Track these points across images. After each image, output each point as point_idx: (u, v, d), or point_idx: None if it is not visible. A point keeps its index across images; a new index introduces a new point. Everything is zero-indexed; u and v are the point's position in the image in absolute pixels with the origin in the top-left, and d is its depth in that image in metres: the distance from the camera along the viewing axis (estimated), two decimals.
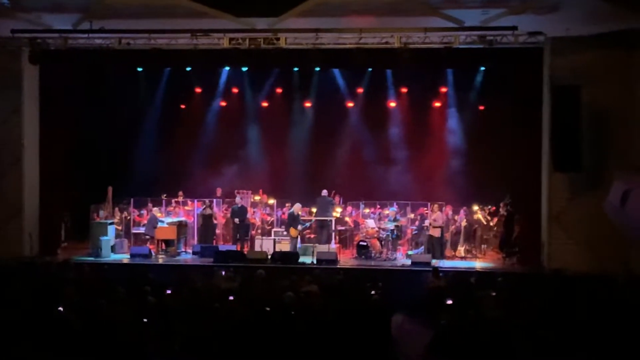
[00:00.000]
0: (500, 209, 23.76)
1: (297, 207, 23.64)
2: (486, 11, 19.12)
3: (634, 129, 19.83)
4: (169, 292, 14.28)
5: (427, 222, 23.31)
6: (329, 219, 23.98)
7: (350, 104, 27.13)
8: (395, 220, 23.65)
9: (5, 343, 9.93)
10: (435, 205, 23.28)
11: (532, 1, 18.02)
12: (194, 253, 23.37)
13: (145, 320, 11.34)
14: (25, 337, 10.21)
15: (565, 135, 19.83)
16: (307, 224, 23.70)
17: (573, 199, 20.79)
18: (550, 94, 20.63)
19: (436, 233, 22.75)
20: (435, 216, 22.99)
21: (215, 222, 24.71)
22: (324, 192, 24.34)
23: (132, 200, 25.01)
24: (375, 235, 23.35)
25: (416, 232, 23.88)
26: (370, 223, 23.89)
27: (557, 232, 20.97)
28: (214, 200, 25.11)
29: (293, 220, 23.45)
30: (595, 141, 20.21)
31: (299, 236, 23.49)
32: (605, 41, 19.90)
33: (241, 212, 24.00)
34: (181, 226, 24.03)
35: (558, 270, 16.48)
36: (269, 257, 22.01)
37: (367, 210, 25.07)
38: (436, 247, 22.65)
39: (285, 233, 23.76)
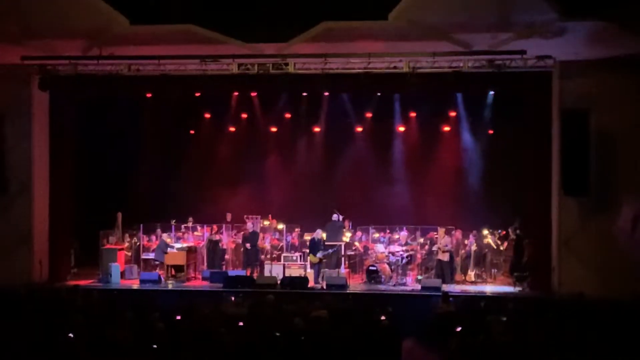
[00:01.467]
0: (510, 233, 23.69)
1: (319, 233, 23.52)
2: (494, 35, 19.14)
3: None
4: (178, 317, 14.27)
5: (435, 247, 23.23)
6: (339, 243, 23.91)
7: (359, 129, 27.16)
8: (406, 244, 23.62)
9: None
10: (443, 230, 23.21)
11: (539, 25, 18.02)
12: (203, 279, 23.32)
13: (154, 346, 11.32)
14: None
15: (574, 159, 19.80)
16: (330, 251, 23.47)
17: (583, 223, 20.71)
18: (559, 118, 20.61)
19: (445, 257, 22.66)
20: (444, 240, 22.92)
21: (223, 247, 24.66)
22: (335, 217, 24.31)
23: (141, 226, 25.02)
24: (385, 260, 23.28)
25: (426, 256, 23.78)
26: (380, 248, 23.84)
27: (567, 257, 20.88)
28: (223, 225, 25.10)
29: (314, 247, 23.32)
30: (605, 165, 20.18)
31: (320, 262, 23.32)
32: (614, 65, 19.90)
33: (253, 237, 23.93)
34: (190, 252, 24.01)
35: (578, 294, 16.37)
36: (279, 282, 21.95)
37: (376, 235, 25.02)
38: (446, 271, 22.55)
39: (294, 258, 23.68)
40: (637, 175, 19.80)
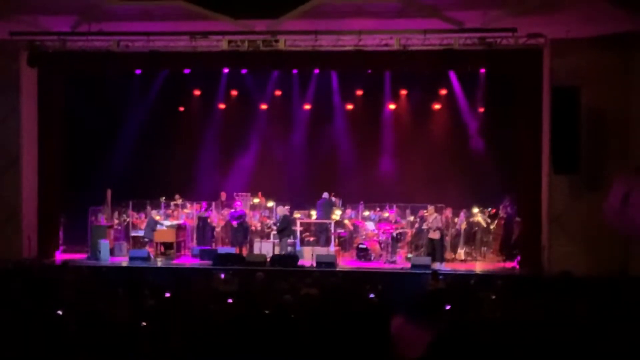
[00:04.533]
0: (500, 212, 23.73)
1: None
2: (486, 13, 19.08)
3: (632, 131, 19.83)
4: (167, 295, 14.24)
5: (425, 225, 23.22)
6: (329, 221, 23.92)
7: (350, 106, 27.07)
8: (396, 222, 23.68)
9: (3, 345, 9.88)
10: (432, 208, 23.18)
11: (531, 2, 17.97)
12: (193, 256, 23.31)
13: (143, 323, 11.28)
14: (23, 339, 10.16)
15: (564, 136, 19.79)
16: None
17: (573, 201, 20.74)
18: (549, 96, 20.59)
19: (435, 236, 22.65)
20: (432, 219, 22.90)
21: (213, 224, 24.65)
22: (325, 195, 24.30)
23: (130, 203, 24.95)
24: (375, 238, 23.29)
25: (416, 234, 23.79)
26: (370, 226, 23.85)
27: (558, 235, 20.91)
28: (212, 203, 25.08)
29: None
30: (595, 143, 20.18)
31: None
32: (605, 43, 19.89)
33: (240, 215, 23.95)
34: (180, 229, 23.99)
35: (564, 272, 16.40)
36: (268, 259, 21.95)
37: (366, 213, 25.03)
38: (437, 249, 22.55)
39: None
40: (626, 152, 19.81)
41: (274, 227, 23.58)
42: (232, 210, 24.28)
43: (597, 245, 19.92)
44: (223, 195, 25.59)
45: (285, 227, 23.13)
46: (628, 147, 19.89)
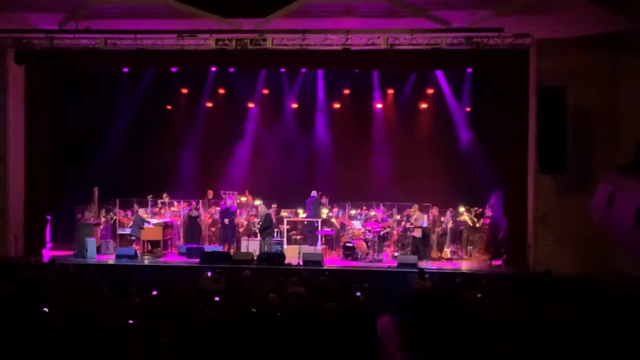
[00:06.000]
0: (487, 211, 23.82)
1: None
2: (473, 13, 19.15)
3: (618, 131, 19.89)
4: (154, 293, 14.26)
5: (409, 223, 23.26)
6: (318, 220, 23.99)
7: (337, 105, 27.10)
8: (383, 221, 23.74)
9: None
10: (416, 207, 23.24)
11: (518, 3, 18.03)
12: (180, 254, 23.32)
13: (130, 321, 11.30)
14: (9, 337, 10.16)
15: (550, 136, 19.84)
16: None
17: (559, 201, 20.82)
18: (536, 96, 20.67)
19: (418, 234, 22.71)
20: (416, 217, 22.96)
21: (200, 223, 24.67)
22: (314, 193, 24.37)
23: (117, 201, 24.93)
24: (362, 237, 23.35)
25: (402, 233, 23.85)
26: (357, 224, 23.91)
27: (543, 234, 20.99)
28: (200, 201, 25.09)
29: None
30: (581, 142, 20.25)
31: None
32: (591, 43, 19.96)
33: (230, 213, 23.97)
34: (167, 227, 23.99)
35: (547, 272, 16.49)
36: (255, 258, 21.97)
37: (353, 212, 25.08)
38: (420, 248, 22.61)
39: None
40: (612, 151, 19.88)
41: (257, 227, 23.62)
42: (224, 207, 24.28)
43: (583, 244, 20.00)
44: (210, 194, 25.60)
45: (267, 226, 23.16)
46: (614, 147, 19.95)
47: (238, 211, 24.88)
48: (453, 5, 18.87)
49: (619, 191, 10.28)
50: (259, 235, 23.50)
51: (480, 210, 24.20)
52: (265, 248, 22.86)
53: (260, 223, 23.25)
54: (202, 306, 12.63)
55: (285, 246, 23.38)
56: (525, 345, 10.08)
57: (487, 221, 23.78)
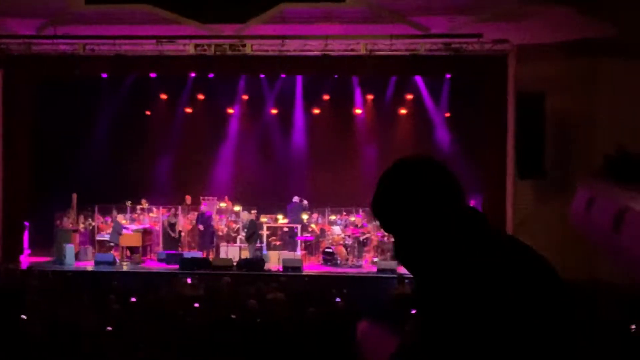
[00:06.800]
0: None
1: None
2: (452, 19, 19.22)
3: (596, 137, 19.95)
4: (133, 299, 14.21)
5: None
6: (298, 225, 24.01)
7: (317, 111, 27.12)
8: (362, 226, 23.78)
9: None
10: None
11: (497, 9, 18.11)
12: (159, 260, 23.25)
13: (109, 328, 11.26)
14: None
15: (529, 142, 19.92)
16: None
17: (538, 206, 20.87)
18: (515, 101, 20.74)
19: None
20: None
21: (180, 229, 24.61)
22: (295, 199, 24.38)
23: (96, 207, 24.83)
24: (341, 242, 23.36)
25: (382, 239, 23.86)
26: (336, 230, 23.93)
27: (523, 239, 20.96)
28: (179, 207, 25.04)
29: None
30: (559, 148, 20.32)
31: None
32: (570, 49, 20.02)
33: (205, 219, 23.94)
34: (146, 233, 23.92)
35: None
36: (235, 264, 21.95)
37: (333, 217, 25.09)
38: None
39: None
40: (590, 157, 19.96)
41: (242, 234, 23.60)
42: (200, 213, 24.27)
43: (562, 249, 20.03)
44: (188, 199, 25.54)
45: (253, 233, 23.16)
46: (593, 153, 20.03)
47: (217, 217, 24.85)
48: (432, 12, 18.93)
49: (598, 197, 10.30)
50: (243, 242, 23.50)
51: None
52: (250, 255, 22.84)
53: (246, 230, 23.26)
54: (182, 313, 12.61)
55: (265, 252, 23.38)
56: (504, 351, 10.08)
57: None
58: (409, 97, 26.26)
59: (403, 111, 26.70)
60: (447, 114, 26.01)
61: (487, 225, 3.01)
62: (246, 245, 23.46)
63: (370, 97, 26.84)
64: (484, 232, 2.96)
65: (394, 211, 2.91)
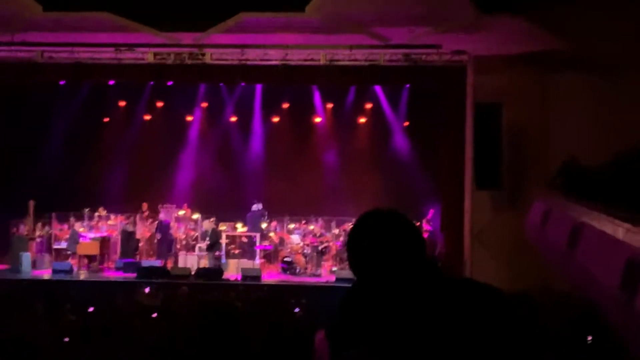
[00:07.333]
0: (424, 225, 23.99)
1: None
2: (412, 29, 19.32)
3: (550, 148, 20.14)
4: (90, 309, 14.10)
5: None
6: (257, 234, 24.01)
7: (276, 119, 27.14)
8: (321, 235, 23.82)
9: None
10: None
11: (455, 21, 18.24)
12: (117, 269, 23.10)
13: (65, 339, 11.16)
14: None
15: (486, 152, 20.05)
16: None
17: (495, 216, 21.00)
18: (472, 112, 20.89)
19: None
20: None
21: (137, 237, 24.47)
22: (254, 207, 24.36)
23: (53, 214, 24.64)
24: (300, 251, 23.39)
25: (340, 247, 23.91)
26: (295, 239, 23.95)
27: (479, 250, 21.17)
28: (137, 215, 24.91)
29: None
30: (516, 158, 20.47)
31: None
32: (525, 61, 20.17)
33: (162, 226, 23.84)
34: (104, 241, 23.77)
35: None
36: (193, 272, 21.87)
37: (292, 226, 25.11)
38: None
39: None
40: (546, 169, 20.12)
41: (205, 243, 23.52)
42: (159, 221, 24.17)
43: (518, 261, 20.18)
44: (145, 207, 25.40)
45: (215, 242, 23.14)
46: (547, 164, 20.20)
47: (176, 225, 24.76)
48: (392, 23, 19.00)
49: (553, 211, 10.43)
50: (201, 250, 23.44)
51: (418, 224, 24.34)
52: (211, 264, 22.78)
53: (209, 239, 23.21)
54: (139, 323, 12.53)
55: (224, 261, 23.33)
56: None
57: (425, 235, 23.94)
58: (369, 106, 26.39)
59: (362, 120, 26.81)
60: (406, 123, 26.16)
61: (440, 274, 3.58)
62: (205, 253, 23.40)
63: (329, 105, 26.91)
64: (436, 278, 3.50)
65: (359, 257, 3.54)
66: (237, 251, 24.32)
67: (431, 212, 23.82)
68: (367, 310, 3.39)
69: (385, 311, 3.29)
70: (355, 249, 3.53)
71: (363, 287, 3.52)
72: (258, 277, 21.46)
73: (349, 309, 3.62)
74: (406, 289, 3.30)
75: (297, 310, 14.89)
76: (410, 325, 3.15)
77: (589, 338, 11.28)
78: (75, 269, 22.71)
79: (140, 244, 24.70)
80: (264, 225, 24.76)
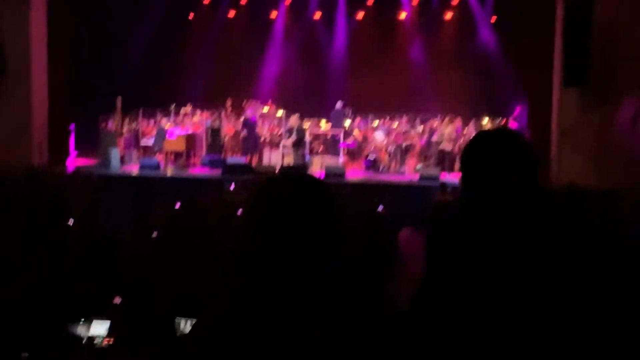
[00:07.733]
0: (511, 123, 23.69)
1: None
2: None
3: None
4: (177, 206, 14.30)
5: (437, 135, 23.14)
6: (340, 131, 23.98)
7: (361, 15, 26.87)
8: (405, 132, 23.72)
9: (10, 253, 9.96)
10: (447, 118, 23.15)
11: None
12: (202, 164, 23.35)
13: (154, 234, 11.33)
14: (31, 251, 10.24)
15: (575, 48, 19.55)
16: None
17: (583, 114, 20.58)
18: (563, 6, 20.30)
19: (449, 147, 22.61)
20: (448, 129, 22.84)
21: (223, 134, 24.63)
22: (338, 105, 24.27)
23: (140, 110, 24.93)
24: (384, 149, 23.31)
25: (425, 145, 23.77)
26: (379, 136, 23.83)
27: (566, 148, 20.84)
28: (222, 111, 25.04)
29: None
30: (607, 57, 19.91)
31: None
32: None
33: (249, 124, 23.91)
34: (190, 138, 23.99)
35: (571, 185, 16.40)
36: (277, 170, 21.99)
37: (375, 123, 24.99)
38: (447, 161, 22.52)
39: None
40: (637, 70, 19.58)
41: (290, 140, 23.46)
42: (245, 118, 24.22)
43: (606, 159, 19.84)
44: (229, 103, 25.48)
45: (302, 139, 23.12)
46: (638, 66, 19.64)
47: (260, 121, 24.83)
48: None
49: None
50: (285, 147, 23.46)
51: (505, 121, 24.05)
52: (296, 161, 22.80)
53: (295, 135, 23.16)
54: (225, 221, 12.65)
55: (307, 158, 23.37)
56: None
57: None
58: (455, 1, 25.90)
59: (449, 15, 26.39)
60: (494, 18, 25.65)
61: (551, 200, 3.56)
62: (289, 150, 23.44)
63: (415, 1, 26.49)
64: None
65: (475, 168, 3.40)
66: (320, 148, 24.32)
67: (518, 109, 23.45)
68: (470, 226, 3.31)
69: (489, 230, 3.26)
70: (471, 164, 3.41)
71: (471, 202, 3.37)
72: (342, 175, 21.47)
73: (452, 220, 3.44)
74: (514, 213, 3.28)
75: (380, 208, 14.89)
76: (511, 251, 3.20)
77: None
78: (162, 165, 23.02)
79: (225, 141, 24.86)
80: (347, 123, 24.66)
